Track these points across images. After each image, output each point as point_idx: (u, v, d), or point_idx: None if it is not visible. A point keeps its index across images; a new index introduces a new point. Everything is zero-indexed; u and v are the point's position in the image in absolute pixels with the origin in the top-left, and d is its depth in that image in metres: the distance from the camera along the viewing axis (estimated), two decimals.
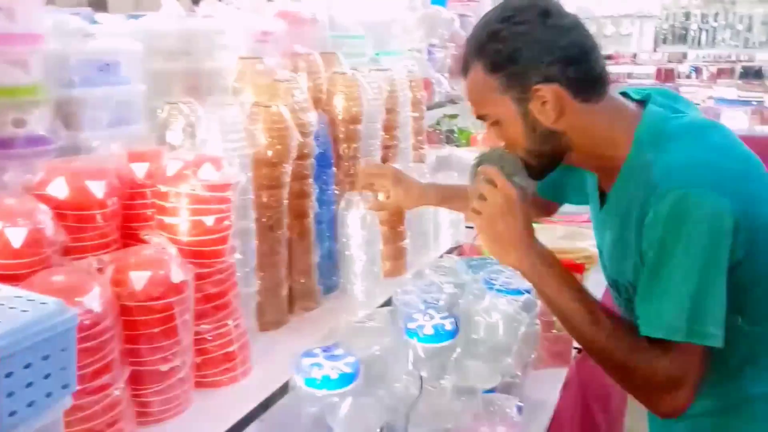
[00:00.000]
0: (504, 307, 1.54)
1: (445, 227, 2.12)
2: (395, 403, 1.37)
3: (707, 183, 1.00)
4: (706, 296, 0.99)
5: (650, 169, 1.05)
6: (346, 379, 1.20)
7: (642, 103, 1.16)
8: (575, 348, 2.14)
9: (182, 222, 1.16)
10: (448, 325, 1.41)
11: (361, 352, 1.37)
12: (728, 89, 5.82)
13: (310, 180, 1.58)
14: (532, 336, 1.60)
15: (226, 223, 1.17)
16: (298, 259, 1.58)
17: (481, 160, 1.20)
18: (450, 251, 2.13)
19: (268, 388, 1.26)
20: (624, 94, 1.20)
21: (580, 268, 2.35)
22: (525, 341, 1.58)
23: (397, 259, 1.86)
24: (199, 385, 1.25)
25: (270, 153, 1.39)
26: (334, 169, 1.69)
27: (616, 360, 1.08)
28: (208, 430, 1.15)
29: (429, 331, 1.39)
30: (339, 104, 1.71)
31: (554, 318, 2.06)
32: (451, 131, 2.79)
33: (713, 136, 1.09)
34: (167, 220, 1.16)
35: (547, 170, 1.20)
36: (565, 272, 1.14)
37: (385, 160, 1.94)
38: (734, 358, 1.08)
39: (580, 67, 1.08)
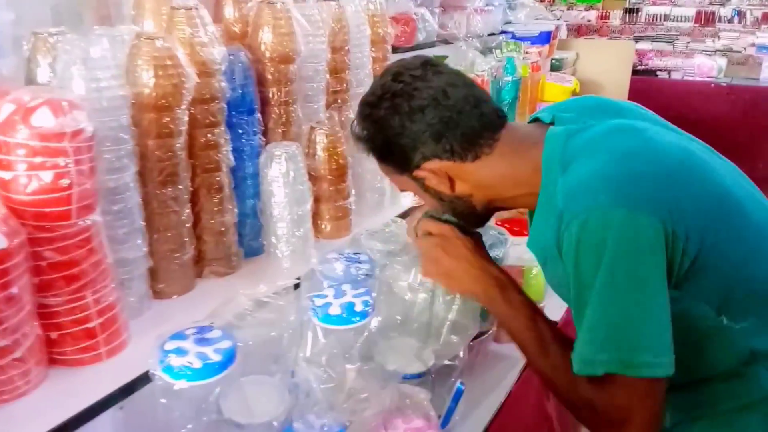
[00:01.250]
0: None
1: None
2: (295, 391, 1.19)
3: (609, 202, 0.91)
4: (631, 323, 0.91)
5: (555, 195, 0.98)
6: (212, 369, 1.01)
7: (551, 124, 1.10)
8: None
9: (13, 177, 0.96)
10: (360, 305, 1.21)
11: (254, 332, 1.19)
12: None
13: (221, 128, 1.36)
14: (472, 310, 1.39)
15: (65, 181, 0.97)
16: (208, 218, 1.39)
17: (423, 215, 1.23)
18: (410, 211, 1.91)
19: (137, 370, 1.09)
20: (536, 119, 1.15)
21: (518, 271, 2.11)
22: (463, 317, 1.37)
23: (338, 219, 1.65)
24: (55, 362, 1.09)
25: (155, 95, 1.18)
26: (258, 115, 1.47)
27: (561, 393, 1.03)
28: (49, 416, 0.99)
29: (336, 310, 1.19)
30: (266, 40, 1.48)
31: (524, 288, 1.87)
32: None
33: (619, 143, 0.99)
34: None
35: (477, 223, 1.20)
36: (519, 297, 1.10)
37: (329, 105, 1.71)
38: (736, 359, 1.00)
39: (454, 135, 1.06)
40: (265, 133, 1.53)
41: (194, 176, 1.34)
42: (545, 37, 3.22)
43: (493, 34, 3.08)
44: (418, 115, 1.05)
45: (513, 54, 2.68)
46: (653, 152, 0.98)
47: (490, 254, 1.20)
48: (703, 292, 0.96)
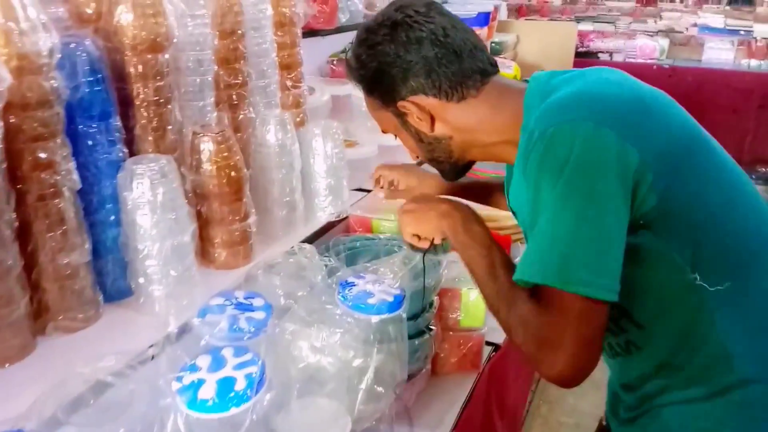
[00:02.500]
0: (345, 337, 1.03)
1: (321, 194, 1.58)
2: None
3: (579, 116, 0.89)
4: (576, 237, 0.86)
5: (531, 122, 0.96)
6: None
7: None
8: (492, 344, 1.70)
9: None
10: (242, 381, 0.90)
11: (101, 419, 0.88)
12: (715, 16, 5.20)
13: (58, 140, 1.03)
14: (393, 360, 1.12)
15: None
16: (46, 259, 1.05)
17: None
18: (329, 227, 1.61)
19: None
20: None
21: (506, 240, 1.87)
22: (383, 370, 1.10)
23: (235, 245, 1.33)
24: None
25: None
26: (115, 121, 1.14)
27: (502, 317, 0.98)
28: None
29: (208, 392, 0.88)
30: (126, 22, 1.14)
31: (459, 314, 1.60)
32: None
33: (596, 72, 1.01)
34: None
35: (455, 173, 1.19)
36: (479, 229, 1.07)
37: (220, 102, 1.39)
38: (710, 335, 0.93)
39: (445, 73, 1.05)
40: (131, 142, 1.20)
41: (22, 206, 1.01)
42: (484, 19, 2.94)
43: None
44: (414, 47, 1.04)
45: None
46: (631, 84, 0.99)
47: (425, 280, 1.24)
48: (673, 238, 0.91)
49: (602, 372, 3.31)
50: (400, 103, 1.08)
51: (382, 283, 1.17)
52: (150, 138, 1.21)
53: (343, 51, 2.16)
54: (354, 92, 1.96)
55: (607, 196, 0.86)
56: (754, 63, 4.86)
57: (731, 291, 0.92)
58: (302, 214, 1.55)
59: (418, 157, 1.20)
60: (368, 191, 1.80)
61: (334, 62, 2.16)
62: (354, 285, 1.15)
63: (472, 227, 1.08)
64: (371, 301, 1.11)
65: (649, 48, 5.11)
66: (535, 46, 3.51)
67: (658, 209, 0.89)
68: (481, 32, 2.93)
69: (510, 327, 0.95)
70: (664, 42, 5.20)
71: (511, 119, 1.04)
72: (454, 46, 1.05)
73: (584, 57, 5.18)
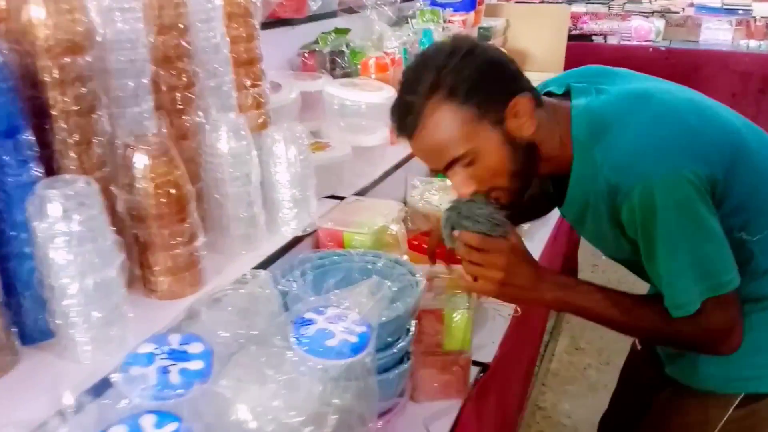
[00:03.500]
0: (298, 392, 0.87)
1: (285, 207, 1.41)
2: None
3: (655, 168, 1.04)
4: (704, 257, 1.06)
5: (600, 169, 1.09)
6: None
7: (567, 95, 1.19)
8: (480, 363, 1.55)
9: None
10: None
11: None
12: None
13: None
14: (360, 403, 0.97)
15: None
16: None
17: (451, 225, 1.17)
18: (296, 242, 1.44)
19: None
20: (548, 93, 1.23)
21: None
22: (347, 418, 0.94)
23: (180, 271, 1.17)
24: None
25: None
26: (27, 135, 0.96)
27: (666, 337, 1.18)
28: None
29: None
30: (38, 21, 0.97)
31: (442, 336, 1.44)
32: (340, 54, 2.04)
33: (643, 110, 1.11)
34: None
35: (526, 190, 1.21)
36: (581, 287, 1.16)
37: (162, 107, 1.21)
38: (748, 275, 1.12)
39: (523, 77, 1.14)
40: (50, 160, 1.03)
41: None
42: (470, 3, 2.76)
43: (408, 0, 2.61)
44: (498, 52, 1.14)
45: (430, 25, 2.21)
46: (673, 114, 1.10)
47: (399, 301, 1.19)
48: (731, 214, 1.09)
49: (599, 373, 3.11)
50: (512, 101, 1.09)
51: (345, 318, 1.00)
52: (72, 154, 1.04)
53: (316, 42, 1.98)
54: (326, 88, 1.78)
55: (704, 216, 1.04)
56: (753, 43, 4.69)
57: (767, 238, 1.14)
58: (264, 230, 1.38)
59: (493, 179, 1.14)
60: (341, 199, 1.63)
61: (306, 54, 1.98)
62: (311, 323, 0.98)
63: (577, 290, 1.16)
64: (330, 343, 0.95)
65: (644, 29, 4.92)
66: (526, 31, 3.33)
67: (723, 194, 1.08)
68: (467, 17, 2.75)
69: (682, 345, 1.21)
70: (660, 23, 5.01)
71: (564, 137, 1.14)
72: (514, 65, 1.15)
73: (577, 40, 4.99)
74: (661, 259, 1.06)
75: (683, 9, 5.09)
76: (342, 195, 1.65)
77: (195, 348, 0.93)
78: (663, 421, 1.37)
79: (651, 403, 1.42)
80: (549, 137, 1.13)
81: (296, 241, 1.42)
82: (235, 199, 1.28)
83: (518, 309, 1.80)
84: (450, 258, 1.40)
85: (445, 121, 1.08)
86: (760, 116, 4.27)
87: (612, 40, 5.00)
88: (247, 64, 1.42)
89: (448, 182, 2.11)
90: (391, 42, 1.99)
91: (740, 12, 4.85)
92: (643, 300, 1.16)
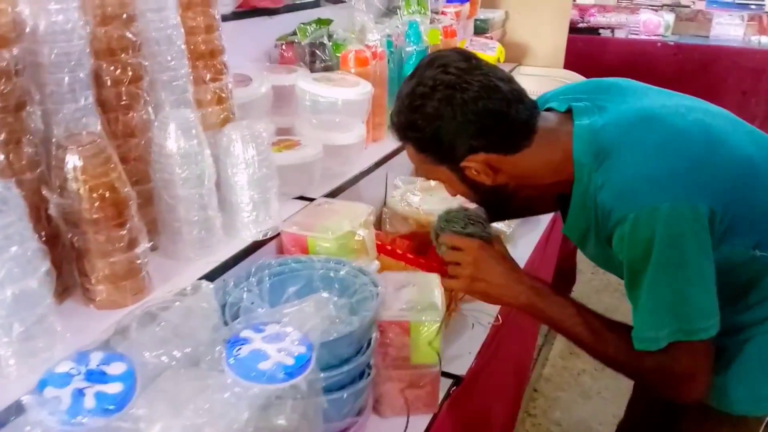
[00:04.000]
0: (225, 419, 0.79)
1: (244, 210, 1.33)
2: None
3: (653, 199, 1.02)
4: (683, 299, 1.03)
5: (598, 192, 1.09)
6: None
7: (569, 113, 1.18)
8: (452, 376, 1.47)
9: None
10: None
11: None
12: None
13: None
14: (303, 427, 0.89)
15: None
16: None
17: (440, 225, 1.28)
18: (257, 246, 1.37)
19: None
20: (549, 109, 1.22)
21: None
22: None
23: (121, 279, 1.09)
24: None
25: None
26: None
27: (624, 369, 1.14)
28: None
29: None
30: None
31: (408, 350, 1.37)
32: (321, 46, 1.95)
33: (647, 136, 1.09)
34: None
35: (502, 214, 1.36)
36: (558, 300, 1.18)
37: (105, 103, 1.13)
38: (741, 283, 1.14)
39: (500, 129, 1.12)
40: None
41: None
42: None
43: None
44: (471, 107, 1.09)
45: (416, 17, 2.11)
46: (679, 141, 1.08)
47: (359, 314, 1.16)
48: (741, 237, 1.08)
49: (593, 380, 2.99)
50: (463, 163, 1.14)
51: (284, 338, 0.92)
52: None
53: (293, 33, 1.89)
54: (299, 82, 1.70)
55: (695, 258, 1.02)
56: (765, 39, 4.54)
57: None
58: (220, 234, 1.30)
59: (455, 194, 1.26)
60: (311, 200, 1.55)
61: (283, 46, 1.90)
62: (246, 343, 0.90)
63: (551, 300, 1.18)
64: (264, 365, 0.87)
65: (653, 23, 4.78)
66: (526, 23, 3.22)
67: (728, 227, 1.06)
68: (462, 9, 2.65)
69: (639, 377, 1.19)
70: (670, 17, 4.87)
71: (562, 163, 1.13)
72: (506, 100, 1.11)
73: (584, 33, 4.87)
74: (641, 290, 1.05)
75: (694, 2, 4.94)
76: (313, 196, 1.57)
77: (116, 368, 0.85)
78: None
79: (671, 414, 1.36)
80: (534, 171, 1.16)
81: (256, 246, 1.34)
82: (187, 202, 1.21)
83: (499, 317, 1.72)
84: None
85: (412, 156, 1.21)
86: None
87: (620, 34, 4.87)
88: (206, 56, 1.34)
89: (432, 182, 2.03)
90: (373, 34, 1.89)
91: (753, 7, 4.71)
92: (615, 326, 1.14)
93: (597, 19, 4.94)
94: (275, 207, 1.37)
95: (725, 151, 1.09)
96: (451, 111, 1.09)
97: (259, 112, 1.61)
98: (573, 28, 4.88)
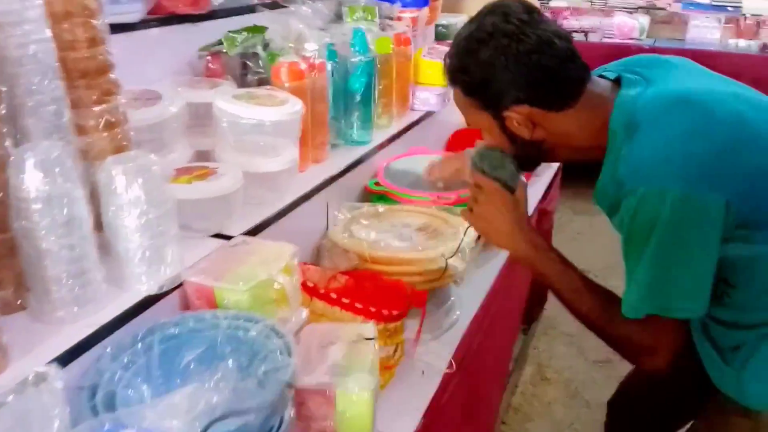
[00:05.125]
0: None
1: (134, 259, 1.11)
2: None
3: (666, 181, 1.04)
4: (667, 278, 1.08)
5: (619, 163, 1.12)
6: None
7: (618, 81, 1.21)
8: None
9: None
10: None
11: None
12: None
13: None
14: None
15: None
16: None
17: (473, 161, 1.32)
18: (153, 300, 1.14)
19: None
20: (602, 76, 1.26)
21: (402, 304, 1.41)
22: None
23: None
24: None
25: None
26: None
27: (597, 329, 1.21)
28: None
29: None
30: None
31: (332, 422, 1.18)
32: (254, 57, 1.73)
33: (678, 119, 1.09)
34: None
35: (532, 167, 1.39)
36: (551, 255, 1.26)
37: None
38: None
39: (549, 85, 1.15)
40: None
41: None
42: None
43: None
44: (525, 59, 1.12)
45: (361, 24, 1.89)
46: (709, 129, 1.08)
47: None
48: (762, 232, 1.09)
49: (565, 409, 2.75)
50: (505, 113, 1.18)
51: None
52: None
53: (219, 42, 1.67)
54: (217, 101, 1.47)
55: (696, 247, 1.05)
56: (742, 43, 4.40)
57: None
58: (103, 290, 1.08)
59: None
60: (228, 238, 1.33)
61: (210, 57, 1.68)
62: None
63: (545, 255, 1.25)
64: None
65: (627, 26, 4.63)
66: None
67: (748, 221, 1.06)
68: (420, 14, 2.45)
69: (609, 339, 1.20)
70: (645, 20, 4.72)
71: (599, 129, 1.17)
72: (560, 57, 1.13)
73: None
74: (636, 263, 1.10)
75: (669, 5, 4.79)
76: (232, 233, 1.35)
77: None
78: None
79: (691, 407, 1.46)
80: (574, 132, 1.20)
81: (151, 302, 1.12)
82: (53, 254, 0.98)
83: (453, 364, 1.52)
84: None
85: (458, 99, 1.25)
86: None
87: (593, 38, 4.70)
88: (90, 75, 1.12)
89: (380, 209, 1.83)
90: (311, 44, 1.67)
91: (729, 9, 4.57)
92: (596, 288, 1.22)
93: (570, 22, 4.78)
94: (175, 253, 1.15)
95: (755, 146, 1.09)
96: (504, 60, 1.12)
97: (172, 135, 1.40)
98: None
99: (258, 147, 1.45)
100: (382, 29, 2.10)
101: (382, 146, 2.06)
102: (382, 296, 1.43)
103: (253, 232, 1.41)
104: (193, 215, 1.28)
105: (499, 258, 1.95)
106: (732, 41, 4.45)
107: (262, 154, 1.44)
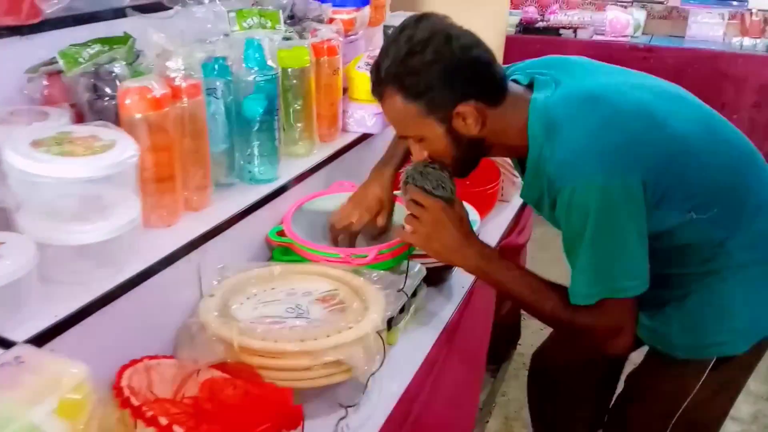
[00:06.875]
0: None
1: None
2: None
3: (591, 172, 1.14)
4: (607, 262, 1.17)
5: (546, 163, 1.21)
6: None
7: (530, 86, 1.30)
8: None
9: None
10: None
11: None
12: None
13: None
14: None
15: None
16: None
17: (406, 180, 1.34)
18: None
19: None
20: (515, 81, 1.32)
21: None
22: None
23: None
24: None
25: None
26: None
27: (563, 327, 1.31)
28: None
29: None
30: None
31: None
32: (108, 77, 1.32)
33: (591, 115, 1.20)
34: None
35: (471, 169, 1.38)
36: (502, 263, 1.32)
37: None
38: (709, 244, 1.27)
39: (487, 78, 1.23)
40: None
41: None
42: None
43: None
44: (467, 53, 1.18)
45: (258, 32, 1.48)
46: (618, 120, 1.19)
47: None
48: (677, 203, 1.21)
49: None
50: (460, 107, 1.21)
51: None
52: None
53: (53, 61, 1.28)
54: (8, 153, 1.07)
55: (627, 226, 1.16)
56: (747, 42, 3.97)
57: (719, 214, 1.23)
58: None
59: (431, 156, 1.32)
60: (9, 345, 0.94)
61: (46, 78, 1.28)
62: None
63: (497, 265, 1.31)
64: None
65: (621, 23, 4.20)
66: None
67: (663, 196, 1.19)
68: (358, 15, 2.04)
69: (575, 333, 1.32)
70: (640, 15, 4.30)
71: (522, 127, 1.25)
72: (489, 51, 1.23)
73: (543, 33, 4.29)
74: (577, 253, 1.19)
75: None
76: (15, 338, 0.96)
77: None
78: (640, 392, 1.50)
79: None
80: (504, 130, 1.26)
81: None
82: None
83: None
84: None
85: (396, 110, 1.25)
86: (755, 132, 3.56)
87: (583, 35, 4.28)
88: None
89: (276, 270, 1.44)
90: (175, 62, 1.28)
91: (734, 3, 4.14)
92: (554, 286, 1.27)
93: (558, 17, 4.35)
94: None
95: (662, 129, 1.20)
96: (450, 55, 1.16)
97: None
98: (531, 28, 4.30)
99: (76, 206, 1.06)
100: (300, 36, 1.70)
101: (297, 181, 1.67)
102: (242, 416, 1.04)
103: (62, 328, 1.02)
104: None
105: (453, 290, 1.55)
106: (736, 40, 4.02)
107: (81, 218, 1.05)
